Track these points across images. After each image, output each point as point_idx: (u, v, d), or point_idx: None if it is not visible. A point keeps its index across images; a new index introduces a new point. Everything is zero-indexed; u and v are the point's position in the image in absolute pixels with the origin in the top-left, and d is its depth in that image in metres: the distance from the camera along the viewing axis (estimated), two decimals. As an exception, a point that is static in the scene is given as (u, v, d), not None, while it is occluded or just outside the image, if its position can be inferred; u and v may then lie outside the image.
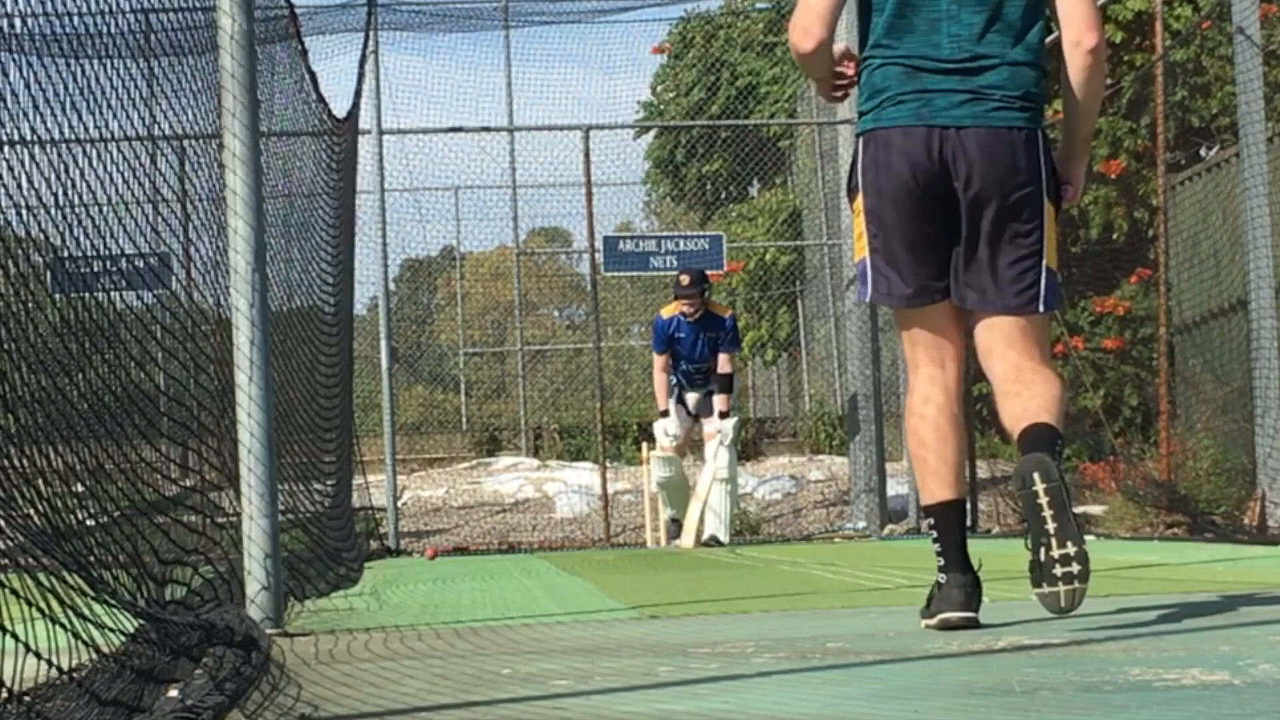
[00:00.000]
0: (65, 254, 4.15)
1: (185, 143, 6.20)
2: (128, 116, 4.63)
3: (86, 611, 3.18)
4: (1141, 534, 12.28)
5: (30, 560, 3.08)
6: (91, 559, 3.72)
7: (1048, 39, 5.03)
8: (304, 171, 10.49)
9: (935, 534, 4.89)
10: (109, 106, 4.33)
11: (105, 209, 4.39)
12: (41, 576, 3.04)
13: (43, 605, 2.96)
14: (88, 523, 4.00)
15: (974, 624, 4.73)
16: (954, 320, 4.94)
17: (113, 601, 3.56)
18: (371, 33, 16.34)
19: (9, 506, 3.15)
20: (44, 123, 3.63)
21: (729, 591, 7.69)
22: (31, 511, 3.33)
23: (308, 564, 7.93)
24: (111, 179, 4.36)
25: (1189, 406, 14.37)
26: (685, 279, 14.19)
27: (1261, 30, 12.03)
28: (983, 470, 16.24)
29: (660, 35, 26.60)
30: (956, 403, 4.95)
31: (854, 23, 5.10)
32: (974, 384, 16.55)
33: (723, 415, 14.18)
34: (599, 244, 16.16)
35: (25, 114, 3.44)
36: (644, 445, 15.48)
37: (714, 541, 13.91)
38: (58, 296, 4.56)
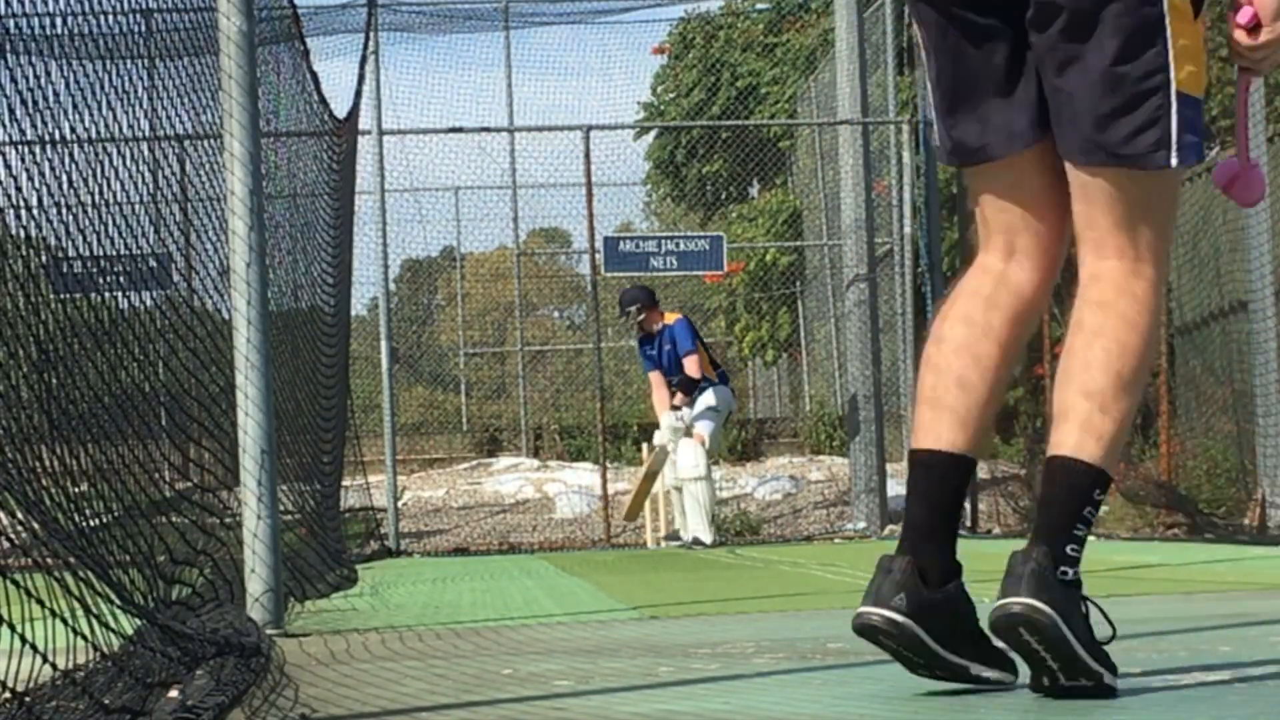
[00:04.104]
0: (93, 255, 4.16)
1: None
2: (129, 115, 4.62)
3: (94, 609, 3.18)
4: (1141, 534, 12.28)
5: (50, 559, 3.08)
6: (111, 559, 3.72)
7: None
8: (306, 173, 10.49)
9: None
10: (109, 106, 4.33)
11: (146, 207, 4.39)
12: (58, 574, 3.04)
13: (53, 605, 2.96)
14: (105, 520, 4.00)
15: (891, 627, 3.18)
16: (1039, 185, 3.29)
17: (132, 609, 3.55)
18: (372, 33, 16.33)
19: (38, 508, 3.15)
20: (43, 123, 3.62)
21: (729, 592, 7.70)
22: (58, 515, 3.33)
23: (309, 564, 7.93)
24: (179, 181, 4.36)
25: (1189, 407, 14.36)
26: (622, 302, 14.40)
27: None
28: (983, 470, 16.23)
29: (660, 36, 26.59)
30: (1009, 320, 3.28)
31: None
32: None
33: (674, 408, 13.94)
34: (599, 244, 16.15)
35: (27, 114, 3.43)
36: (644, 446, 15.46)
37: (697, 543, 13.61)
38: (74, 298, 4.56)
